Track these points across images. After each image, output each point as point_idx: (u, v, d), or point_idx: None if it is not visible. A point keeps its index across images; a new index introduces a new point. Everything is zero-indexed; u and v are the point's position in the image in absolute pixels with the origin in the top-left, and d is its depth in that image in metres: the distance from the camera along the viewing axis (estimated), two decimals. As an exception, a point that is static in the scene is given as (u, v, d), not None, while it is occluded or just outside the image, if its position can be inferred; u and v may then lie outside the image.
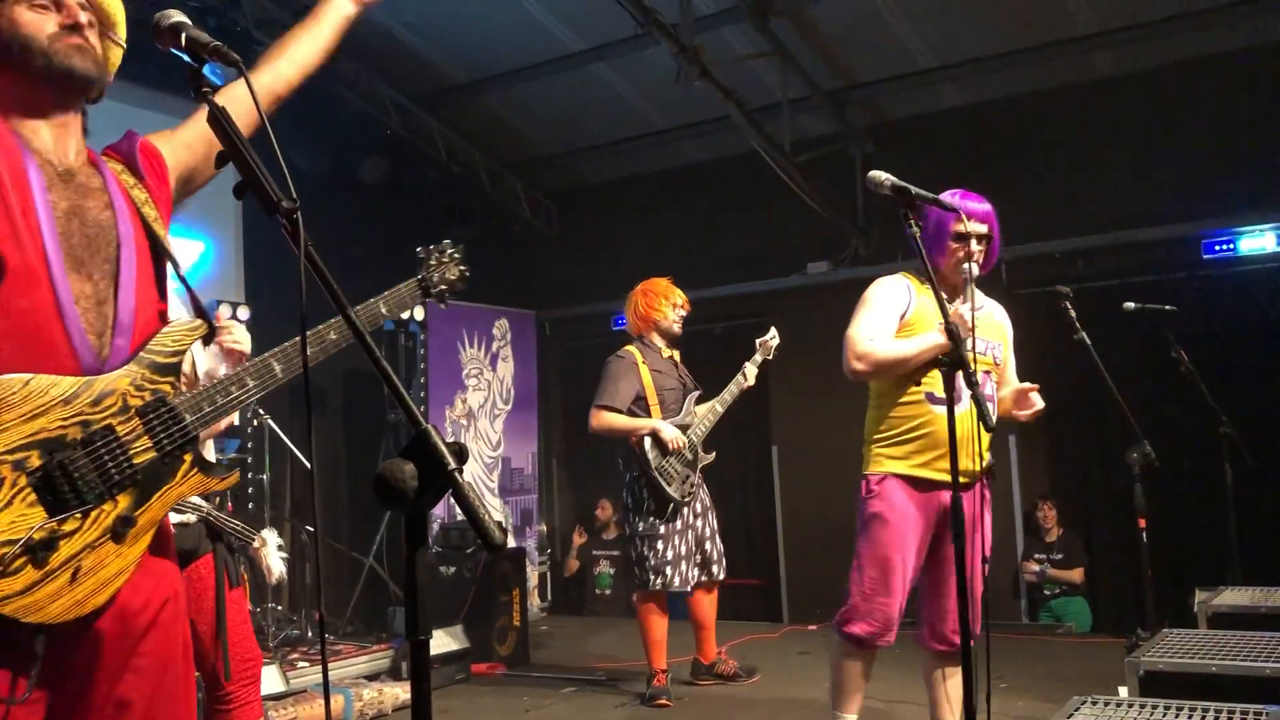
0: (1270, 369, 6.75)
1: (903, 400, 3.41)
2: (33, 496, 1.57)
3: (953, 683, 3.50)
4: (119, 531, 1.65)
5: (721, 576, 5.49)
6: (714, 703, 5.23)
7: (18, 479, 1.56)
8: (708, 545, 5.44)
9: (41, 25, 1.72)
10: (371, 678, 5.67)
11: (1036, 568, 7.28)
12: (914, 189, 2.68)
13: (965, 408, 3.13)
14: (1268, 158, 6.64)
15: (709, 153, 8.73)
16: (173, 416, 1.74)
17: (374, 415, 7.57)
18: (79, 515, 1.61)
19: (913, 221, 2.63)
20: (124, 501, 1.67)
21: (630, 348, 5.59)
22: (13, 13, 1.71)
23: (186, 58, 1.59)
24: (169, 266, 1.86)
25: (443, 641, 5.71)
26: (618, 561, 8.55)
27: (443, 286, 2.50)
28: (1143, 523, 5.07)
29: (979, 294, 3.31)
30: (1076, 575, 7.19)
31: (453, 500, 1.29)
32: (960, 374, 2.66)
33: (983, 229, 3.35)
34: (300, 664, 5.53)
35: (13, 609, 1.54)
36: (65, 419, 1.61)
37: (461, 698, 5.48)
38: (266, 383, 1.88)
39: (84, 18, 1.76)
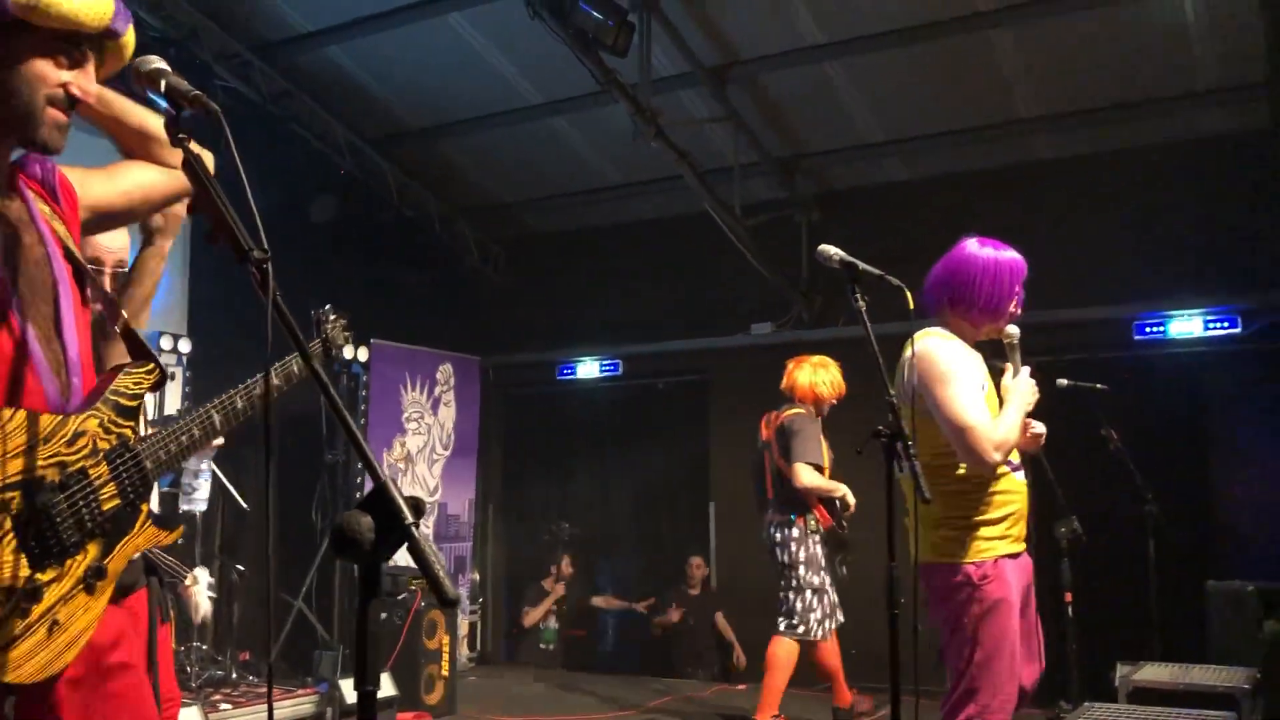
0: (1195, 450, 6.96)
1: (999, 474, 3.09)
2: (16, 542, 1.50)
3: None
4: (90, 583, 1.60)
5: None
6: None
7: (3, 521, 1.50)
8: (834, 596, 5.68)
9: (46, 79, 1.67)
10: (294, 723, 5.57)
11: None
12: (860, 264, 2.76)
13: (1022, 473, 3.15)
14: (1198, 245, 6.90)
15: (660, 210, 8.85)
16: (135, 464, 1.71)
17: (310, 456, 7.48)
18: (55, 565, 1.55)
19: (859, 296, 2.70)
20: (93, 551, 1.62)
21: (804, 410, 5.58)
22: (27, 64, 1.65)
23: (164, 104, 1.61)
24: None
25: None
26: (562, 617, 8.52)
27: (336, 348, 2.55)
28: (1069, 597, 5.18)
29: None
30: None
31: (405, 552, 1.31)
32: (899, 445, 2.66)
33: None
34: (222, 706, 5.41)
35: None
36: (45, 460, 1.56)
37: (386, 747, 5.40)
38: (209, 432, 1.88)
39: (93, 90, 1.74)
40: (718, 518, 8.59)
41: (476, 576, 9.10)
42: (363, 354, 7.52)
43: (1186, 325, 7.04)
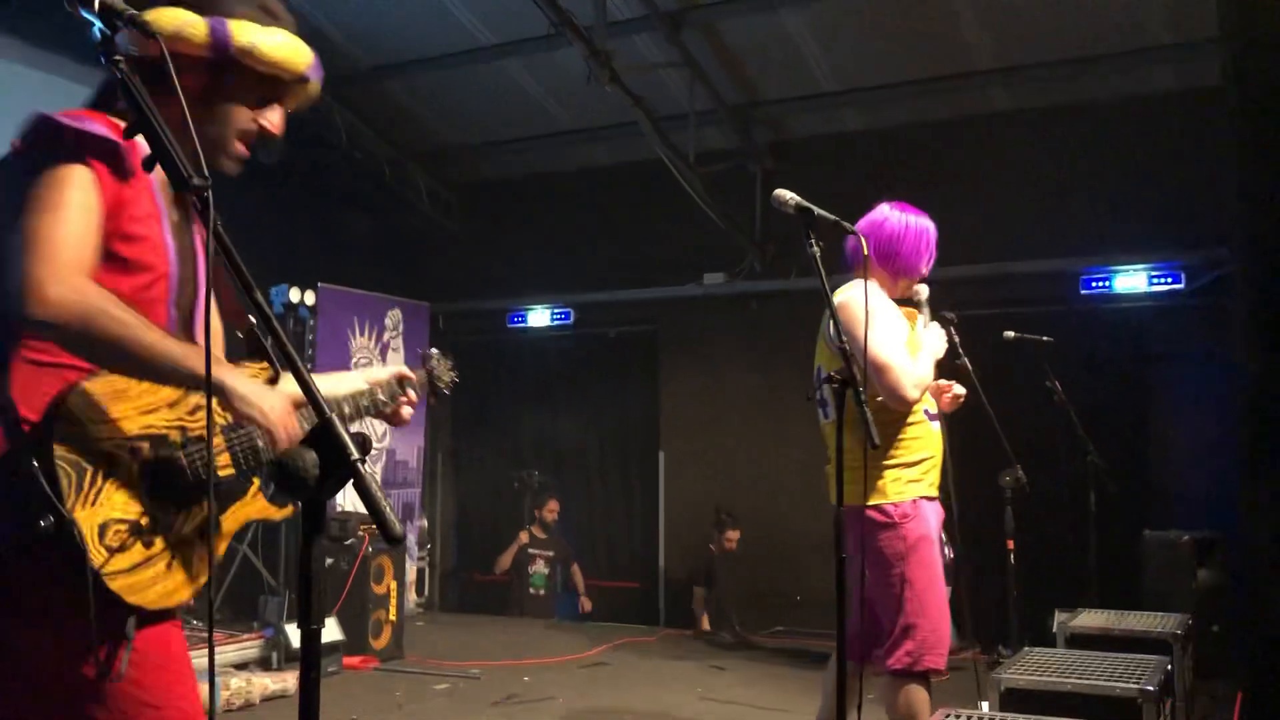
0: (1136, 402, 7.09)
1: (911, 421, 3.29)
2: (143, 484, 1.66)
3: None
4: (206, 534, 1.74)
5: None
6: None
7: (132, 464, 1.65)
8: None
9: (241, 115, 1.90)
10: (240, 667, 5.54)
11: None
12: (817, 209, 2.75)
13: (937, 426, 3.37)
14: (1145, 200, 6.97)
15: (614, 157, 8.77)
16: (249, 440, 1.84)
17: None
18: (175, 509, 1.70)
19: (813, 241, 2.68)
20: (209, 507, 1.76)
21: None
22: (230, 101, 1.87)
23: (98, 23, 1.54)
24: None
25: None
26: (552, 562, 8.50)
27: (443, 385, 2.52)
28: (1011, 544, 5.28)
29: None
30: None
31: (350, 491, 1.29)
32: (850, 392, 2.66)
33: None
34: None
35: (119, 585, 1.60)
36: (169, 421, 1.72)
37: (333, 690, 5.39)
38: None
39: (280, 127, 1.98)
40: (667, 467, 8.63)
41: (425, 523, 9.08)
42: (310, 298, 7.40)
43: (1131, 280, 7.14)
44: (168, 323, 1.78)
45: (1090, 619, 4.61)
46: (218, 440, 1.80)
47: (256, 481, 1.87)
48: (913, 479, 3.26)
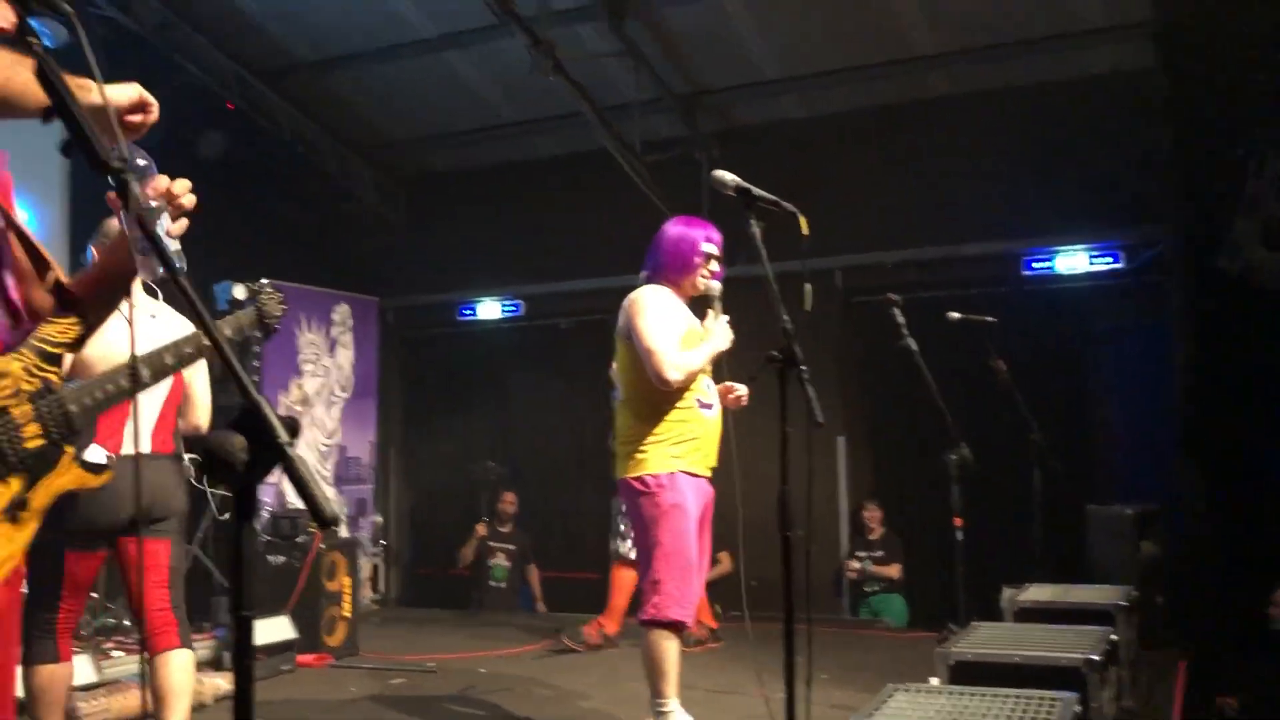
0: (1079, 381, 7.21)
1: (680, 406, 3.74)
2: None
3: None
4: (13, 514, 1.66)
5: None
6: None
7: None
8: None
9: None
10: (191, 669, 5.47)
11: (858, 565, 7.56)
12: (755, 190, 2.76)
13: (715, 413, 3.83)
14: (1083, 182, 7.08)
15: (559, 148, 8.74)
16: (59, 407, 1.76)
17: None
18: None
19: (754, 221, 2.70)
20: (15, 484, 1.67)
21: None
22: None
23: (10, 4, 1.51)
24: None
25: (269, 631, 5.55)
26: (513, 555, 8.45)
27: (272, 319, 2.62)
28: (959, 522, 5.34)
29: None
30: (894, 571, 7.51)
31: (284, 488, 1.28)
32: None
33: (718, 251, 3.88)
34: (115, 654, 5.29)
35: None
36: None
37: (286, 687, 5.34)
38: (137, 384, 1.90)
39: None
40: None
41: (379, 519, 9.02)
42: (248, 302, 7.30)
43: (1072, 260, 7.26)
44: None
45: (1037, 593, 4.68)
46: (25, 409, 1.71)
47: (70, 450, 1.79)
48: (675, 455, 3.70)
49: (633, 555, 5.81)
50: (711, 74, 7.79)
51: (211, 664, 5.61)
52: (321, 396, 8.33)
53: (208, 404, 3.86)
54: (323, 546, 6.16)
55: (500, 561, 8.43)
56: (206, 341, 1.56)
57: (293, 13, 7.29)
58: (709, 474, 3.84)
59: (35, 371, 1.74)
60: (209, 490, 5.88)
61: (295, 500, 6.87)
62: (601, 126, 7.15)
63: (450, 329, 9.48)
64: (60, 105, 1.40)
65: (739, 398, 3.90)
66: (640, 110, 7.48)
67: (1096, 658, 3.26)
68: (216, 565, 6.90)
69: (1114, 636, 3.75)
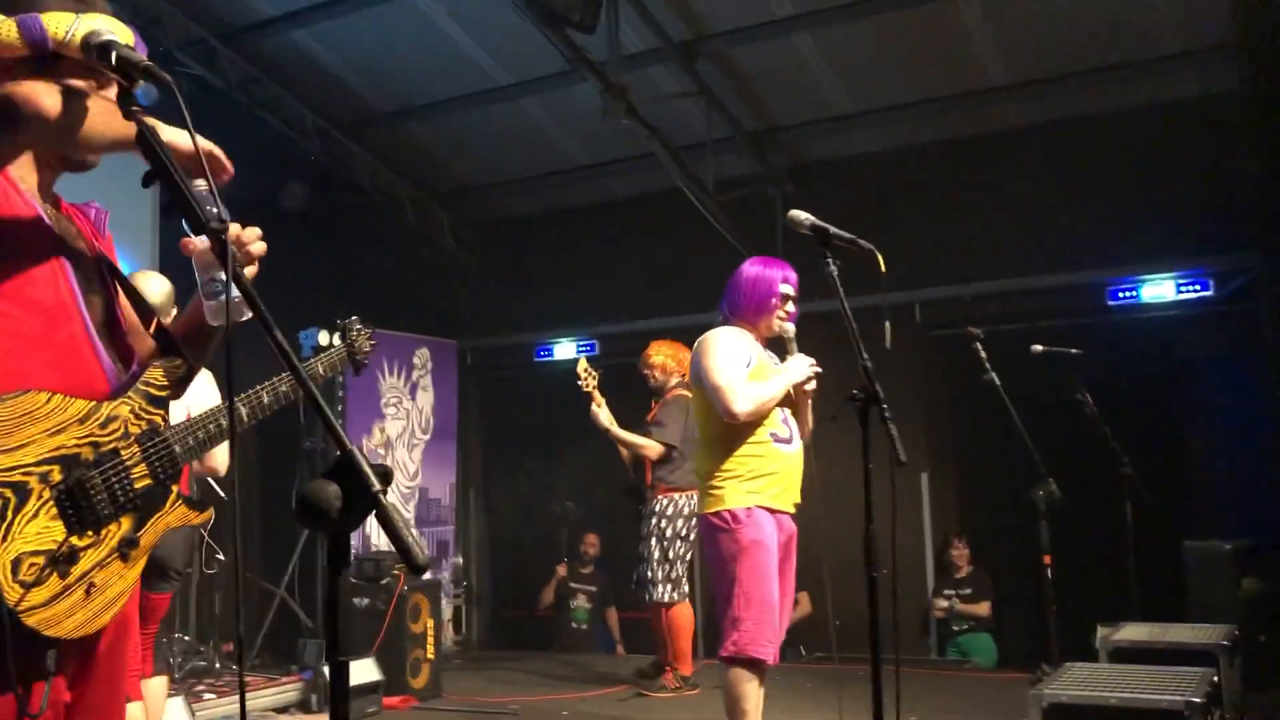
0: (1169, 412, 7.01)
1: (752, 441, 3.73)
2: (55, 510, 1.63)
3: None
4: (124, 552, 1.74)
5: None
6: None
7: (43, 491, 1.63)
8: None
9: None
10: (280, 710, 5.55)
11: (945, 604, 7.41)
12: (831, 228, 2.76)
13: (795, 448, 3.79)
14: (1169, 209, 6.93)
15: (632, 189, 8.82)
16: (165, 448, 1.83)
17: (289, 444, 7.45)
18: (92, 533, 1.68)
19: (830, 260, 2.70)
20: (126, 524, 1.75)
21: None
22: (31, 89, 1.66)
23: (116, 77, 1.58)
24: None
25: (355, 673, 5.61)
26: (594, 597, 8.45)
27: (362, 355, 2.67)
28: (1047, 560, 5.22)
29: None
30: (983, 610, 7.34)
31: (369, 530, 1.31)
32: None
33: (794, 291, 3.89)
34: (206, 695, 5.39)
35: (36, 620, 1.59)
36: (80, 439, 1.69)
37: (372, 731, 5.39)
38: (237, 423, 1.97)
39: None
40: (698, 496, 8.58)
41: (460, 560, 9.09)
42: (338, 340, 7.45)
43: (1159, 289, 7.08)
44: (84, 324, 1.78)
45: (1133, 632, 4.55)
46: (133, 450, 1.78)
47: (175, 490, 1.86)
48: (751, 490, 3.68)
49: (668, 599, 6.06)
50: (783, 111, 7.81)
51: (299, 705, 5.70)
52: (403, 439, 8.45)
53: (225, 447, 3.94)
54: (406, 589, 6.22)
55: (581, 603, 8.42)
56: (300, 379, 1.61)
57: (372, 65, 7.48)
58: (791, 510, 3.81)
59: (141, 414, 1.81)
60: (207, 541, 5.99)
61: (379, 542, 6.97)
62: (674, 166, 7.19)
63: (527, 370, 9.56)
64: (162, 171, 1.45)
65: (807, 392, 3.86)
66: (713, 149, 7.52)
67: (1198, 700, 3.15)
68: (302, 608, 7.01)
69: (1216, 678, 3.62)
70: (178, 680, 5.61)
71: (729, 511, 3.67)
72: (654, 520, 6.15)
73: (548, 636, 8.49)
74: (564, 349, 9.33)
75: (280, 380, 2.11)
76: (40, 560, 1.60)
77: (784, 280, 3.86)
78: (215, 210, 1.48)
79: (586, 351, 9.24)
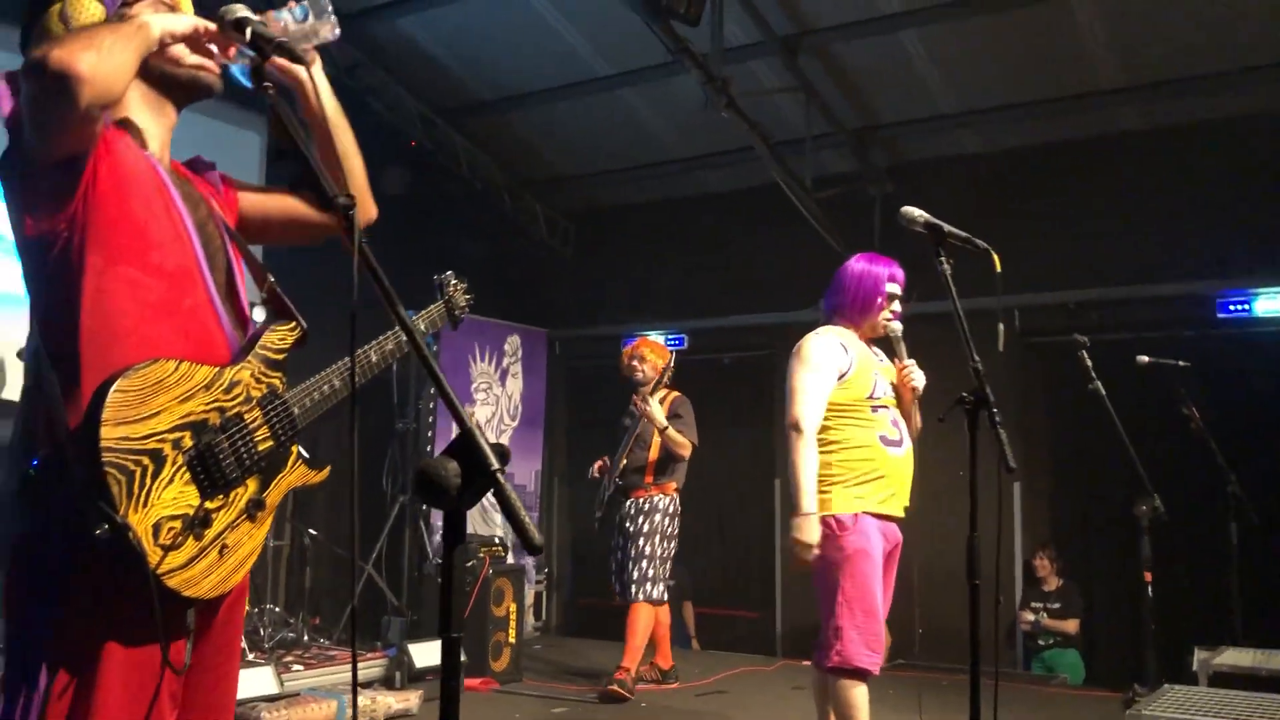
0: (1278, 431, 6.75)
1: (861, 444, 3.63)
2: (188, 475, 1.70)
3: None
4: (252, 513, 1.80)
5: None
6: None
7: (176, 457, 1.69)
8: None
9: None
10: (364, 686, 5.65)
11: (1032, 617, 7.24)
12: (946, 226, 2.70)
13: (904, 450, 3.68)
14: (1283, 220, 6.67)
15: (728, 183, 8.78)
16: (285, 409, 1.89)
17: (381, 424, 7.58)
18: (222, 496, 1.74)
19: (943, 259, 2.64)
20: (252, 485, 1.81)
21: None
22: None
23: (250, 53, 1.61)
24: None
25: (440, 651, 5.68)
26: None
27: (459, 310, 2.59)
28: (1148, 577, 5.07)
29: (876, 348, 3.87)
30: (1071, 627, 7.15)
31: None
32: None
33: (901, 290, 3.78)
34: (294, 667, 5.51)
35: (176, 582, 1.66)
36: (207, 404, 1.75)
37: (453, 711, 5.45)
38: (348, 382, 1.99)
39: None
40: (783, 493, 8.54)
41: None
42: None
43: (1272, 303, 6.82)
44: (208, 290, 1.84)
45: (1235, 657, 4.39)
46: (255, 414, 1.83)
47: (295, 450, 1.91)
48: (859, 495, 3.59)
49: (658, 597, 5.96)
50: (885, 108, 7.70)
51: (384, 682, 5.79)
52: (491, 425, 8.54)
53: None
54: (490, 572, 6.28)
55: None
56: (404, 337, 1.65)
57: (475, 53, 7.56)
58: (900, 515, 3.70)
59: (261, 378, 1.86)
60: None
61: (467, 524, 7.03)
62: (773, 161, 7.13)
63: (615, 360, 9.56)
64: (293, 147, 1.47)
65: (913, 387, 3.72)
66: (812, 145, 7.44)
67: (1308, 730, 3.03)
68: (388, 585, 7.13)
69: (1325, 709, 3.47)
70: (266, 651, 5.73)
71: (834, 517, 3.57)
72: (656, 517, 6.01)
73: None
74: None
75: (386, 338, 2.11)
76: (178, 524, 1.67)
77: (890, 279, 3.76)
78: (344, 189, 1.50)
79: (675, 345, 9.22)
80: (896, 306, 3.79)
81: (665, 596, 6.06)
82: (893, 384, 3.76)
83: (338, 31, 1.83)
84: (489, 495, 1.32)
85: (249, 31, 1.61)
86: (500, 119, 8.42)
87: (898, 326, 3.76)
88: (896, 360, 3.76)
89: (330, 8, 1.80)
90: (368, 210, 2.21)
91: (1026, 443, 7.52)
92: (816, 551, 3.53)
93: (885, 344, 3.88)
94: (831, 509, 3.58)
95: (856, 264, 3.86)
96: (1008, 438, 2.57)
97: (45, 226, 1.68)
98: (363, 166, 2.17)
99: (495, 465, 1.28)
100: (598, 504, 6.35)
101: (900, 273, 3.79)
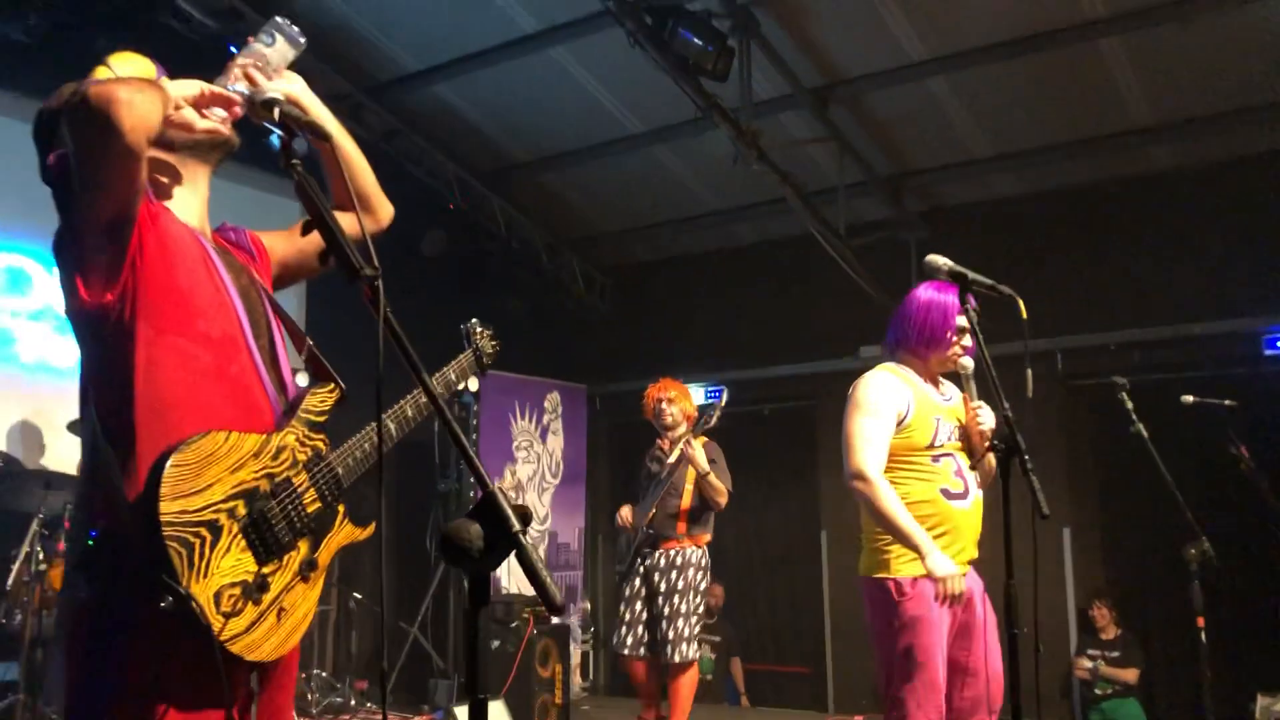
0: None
1: (922, 499, 3.37)
2: (244, 542, 1.76)
3: None
4: (305, 574, 1.86)
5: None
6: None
7: (231, 526, 1.75)
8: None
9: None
10: (411, 748, 5.64)
11: (1089, 664, 7.07)
12: (970, 273, 2.71)
13: (970, 502, 3.41)
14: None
15: (763, 234, 8.82)
16: (329, 471, 1.94)
17: (424, 485, 7.62)
18: (276, 560, 1.80)
19: (969, 307, 2.64)
20: (304, 547, 1.86)
21: None
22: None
23: (278, 130, 1.67)
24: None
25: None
26: (719, 648, 8.39)
27: (487, 357, 2.69)
28: (1200, 622, 4.95)
29: (946, 383, 3.57)
30: (1130, 676, 6.97)
31: (499, 572, 1.33)
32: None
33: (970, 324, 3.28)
34: (342, 731, 5.52)
35: (239, 647, 1.71)
36: (257, 472, 1.81)
37: (500, 773, 5.42)
38: (387, 438, 2.03)
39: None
40: (830, 546, 8.46)
41: (588, 605, 9.12)
42: (473, 384, 7.64)
43: (1320, 339, 6.71)
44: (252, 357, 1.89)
45: (1296, 702, 4.28)
46: (302, 477, 1.88)
47: (341, 509, 1.96)
48: (915, 557, 3.29)
49: (694, 656, 5.74)
50: (918, 154, 7.72)
51: (431, 744, 5.77)
52: (534, 483, 8.56)
53: None
54: (535, 632, 6.26)
55: (706, 654, 8.33)
56: (439, 389, 1.68)
57: (509, 117, 7.69)
58: (966, 567, 3.42)
59: (305, 441, 1.92)
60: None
61: (510, 584, 7.04)
62: (806, 211, 7.16)
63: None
64: (319, 219, 1.52)
65: (984, 433, 3.38)
66: (845, 193, 7.47)
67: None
68: (434, 649, 7.13)
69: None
70: (314, 715, 5.74)
71: (893, 580, 3.34)
72: (690, 572, 5.79)
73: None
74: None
75: (419, 393, 2.16)
76: (237, 591, 1.72)
77: (960, 310, 3.30)
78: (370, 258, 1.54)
79: (713, 397, 9.22)
80: (968, 341, 3.44)
81: (697, 656, 5.90)
82: (960, 423, 3.50)
83: (303, 41, 1.96)
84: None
85: (278, 111, 1.67)
86: (536, 179, 8.55)
87: (969, 363, 3.45)
88: (965, 396, 3.48)
89: (291, 26, 1.93)
90: (385, 210, 2.33)
91: (1074, 488, 7.42)
92: (965, 586, 3.28)
93: (955, 377, 3.59)
94: (890, 571, 3.36)
95: (925, 292, 3.53)
96: (1039, 483, 2.55)
97: (98, 299, 1.74)
98: (369, 168, 2.32)
99: (517, 527, 1.30)
100: (621, 554, 6.12)
101: (974, 301, 3.26)
